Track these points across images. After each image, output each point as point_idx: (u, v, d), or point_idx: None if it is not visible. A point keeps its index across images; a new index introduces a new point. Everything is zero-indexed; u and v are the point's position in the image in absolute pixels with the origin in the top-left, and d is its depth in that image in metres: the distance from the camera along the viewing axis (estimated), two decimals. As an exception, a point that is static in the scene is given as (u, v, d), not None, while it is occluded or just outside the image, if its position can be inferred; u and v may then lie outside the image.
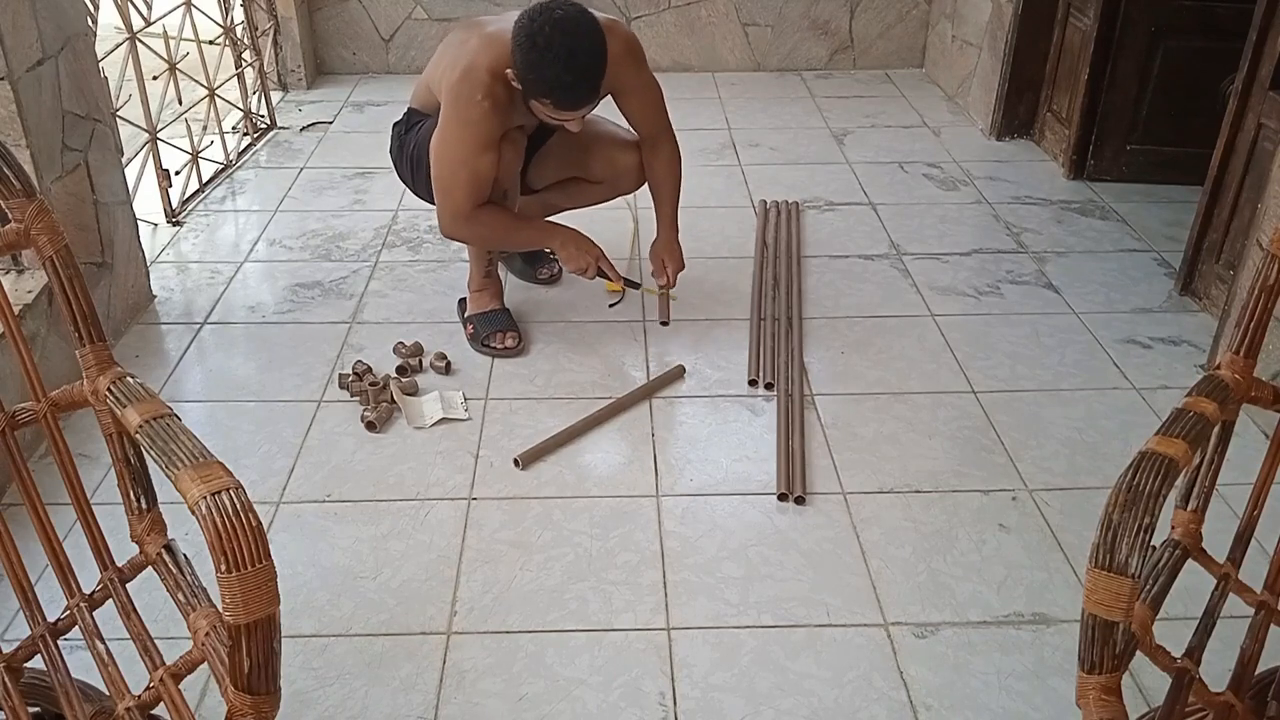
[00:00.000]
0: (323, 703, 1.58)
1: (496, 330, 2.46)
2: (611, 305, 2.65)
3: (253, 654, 0.93)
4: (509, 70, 2.11)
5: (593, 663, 1.65)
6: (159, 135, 3.04)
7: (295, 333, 2.55)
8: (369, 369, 2.34)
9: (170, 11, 3.20)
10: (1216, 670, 1.21)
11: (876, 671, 1.63)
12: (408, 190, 2.57)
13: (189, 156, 3.25)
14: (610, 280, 2.41)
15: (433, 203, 2.50)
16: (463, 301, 2.58)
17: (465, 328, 2.52)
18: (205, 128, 3.39)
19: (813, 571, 1.83)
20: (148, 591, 1.45)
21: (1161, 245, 2.98)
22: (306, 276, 2.81)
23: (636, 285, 2.53)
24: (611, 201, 3.13)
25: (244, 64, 3.69)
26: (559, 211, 2.66)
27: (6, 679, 1.16)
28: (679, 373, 2.38)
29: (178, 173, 3.16)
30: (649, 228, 3.04)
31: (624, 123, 2.46)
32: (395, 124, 2.51)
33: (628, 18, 4.28)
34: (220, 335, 2.55)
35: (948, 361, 2.44)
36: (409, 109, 2.48)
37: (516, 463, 2.08)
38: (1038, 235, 3.05)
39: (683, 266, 2.53)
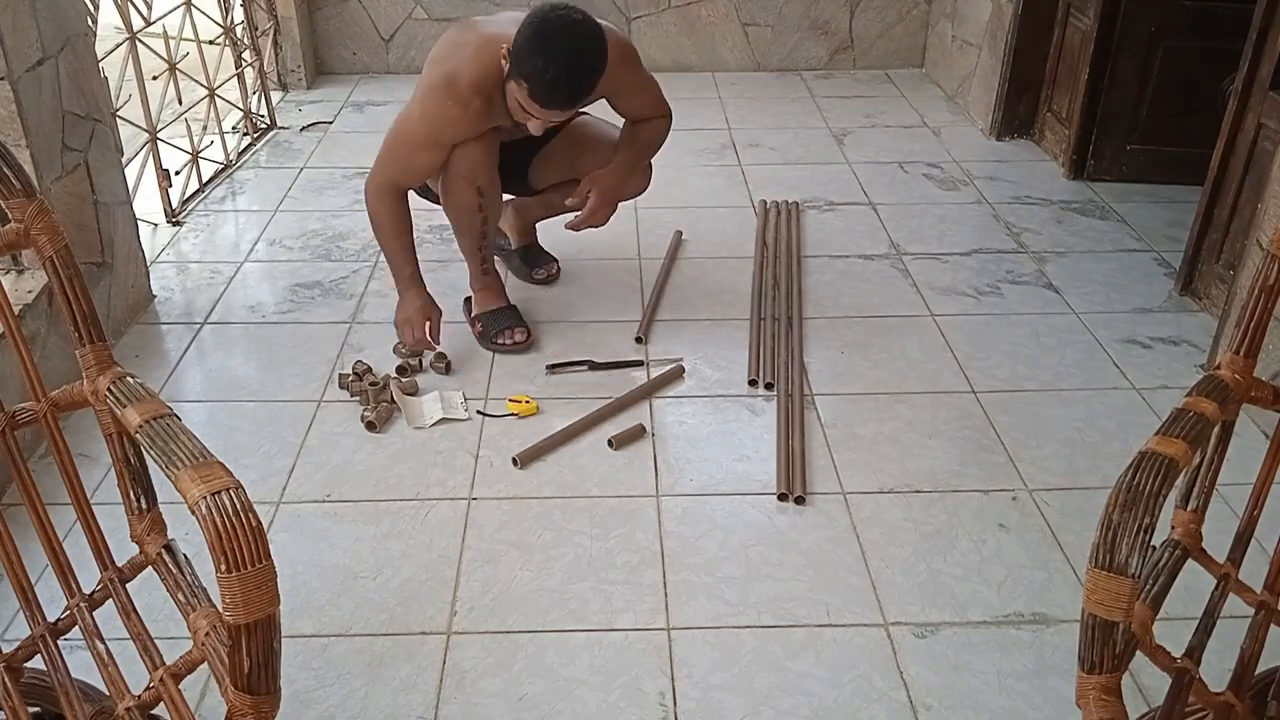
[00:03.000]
0: (323, 703, 1.58)
1: (505, 327, 2.46)
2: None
3: (253, 654, 0.93)
4: (504, 47, 2.09)
5: (593, 663, 1.65)
6: (159, 135, 3.03)
7: (295, 333, 2.55)
8: (369, 369, 2.34)
9: (170, 11, 3.20)
10: (1216, 670, 1.21)
11: (876, 671, 1.63)
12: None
13: (189, 156, 3.25)
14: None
15: (433, 201, 2.52)
16: (468, 301, 2.58)
17: (473, 326, 2.51)
18: (205, 128, 3.39)
19: (813, 571, 1.83)
20: (148, 591, 1.44)
21: (1161, 245, 2.98)
22: (306, 276, 2.81)
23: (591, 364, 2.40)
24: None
25: (244, 64, 3.69)
26: (560, 213, 2.66)
27: (6, 679, 1.16)
28: (679, 372, 2.38)
29: (178, 173, 3.16)
30: (647, 226, 3.05)
31: (618, 121, 2.47)
32: None
33: (627, 18, 4.28)
34: (220, 335, 2.55)
35: (948, 361, 2.44)
36: None
37: (516, 462, 2.08)
38: (1038, 235, 3.05)
39: (609, 201, 2.43)
